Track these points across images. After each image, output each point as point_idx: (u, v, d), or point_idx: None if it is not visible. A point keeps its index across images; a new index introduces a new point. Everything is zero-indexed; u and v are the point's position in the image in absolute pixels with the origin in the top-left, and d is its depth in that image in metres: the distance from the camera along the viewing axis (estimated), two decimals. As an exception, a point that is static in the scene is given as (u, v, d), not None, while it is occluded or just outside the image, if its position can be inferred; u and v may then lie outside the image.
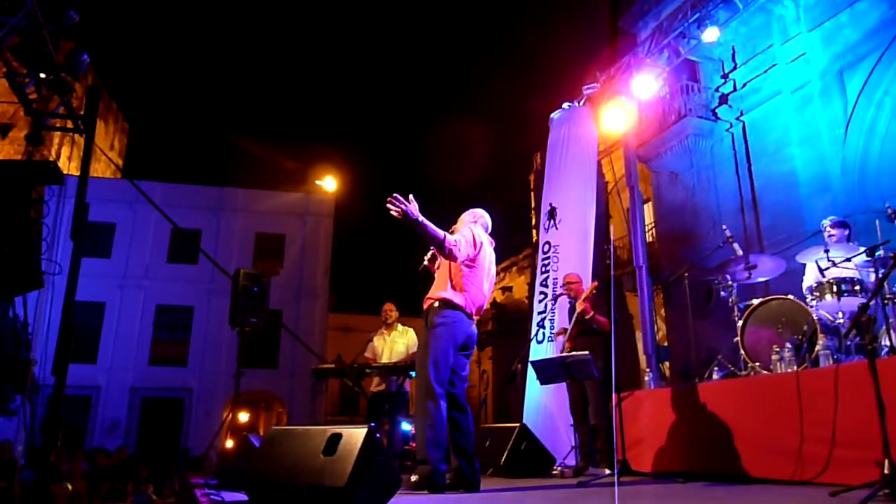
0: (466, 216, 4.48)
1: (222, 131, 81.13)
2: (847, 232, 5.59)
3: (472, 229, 4.22)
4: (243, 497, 3.32)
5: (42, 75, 6.13)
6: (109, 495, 10.49)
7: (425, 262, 4.34)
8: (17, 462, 11.21)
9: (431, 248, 4.21)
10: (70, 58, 6.26)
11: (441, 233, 3.89)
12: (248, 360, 13.43)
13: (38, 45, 5.93)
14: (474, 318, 4.16)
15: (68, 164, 24.16)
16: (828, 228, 5.61)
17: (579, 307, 5.95)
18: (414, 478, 3.82)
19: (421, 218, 3.78)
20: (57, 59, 6.14)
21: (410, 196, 3.77)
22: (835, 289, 4.87)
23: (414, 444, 4.88)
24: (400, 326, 6.99)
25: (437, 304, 4.05)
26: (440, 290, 4.10)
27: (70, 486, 9.40)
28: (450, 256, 3.97)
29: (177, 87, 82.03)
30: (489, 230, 4.48)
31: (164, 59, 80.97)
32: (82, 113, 6.69)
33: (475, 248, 4.11)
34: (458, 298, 4.04)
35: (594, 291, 6.02)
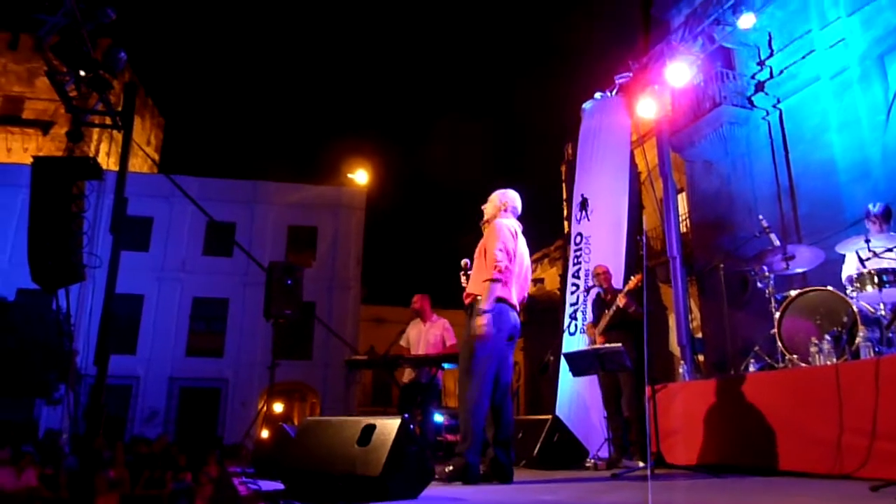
0: (496, 199, 4.41)
1: (256, 126, 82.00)
2: (890, 219, 5.42)
3: (505, 225, 4.19)
4: (279, 485, 3.38)
5: (81, 73, 6.25)
6: (150, 483, 10.73)
7: (463, 281, 4.43)
8: (62, 450, 11.55)
9: (463, 269, 4.45)
10: (108, 55, 6.38)
11: (488, 289, 3.94)
12: (283, 352, 13.61)
13: (77, 44, 6.06)
14: (517, 308, 4.16)
15: (107, 160, 24.69)
16: (871, 216, 5.44)
17: (620, 301, 5.88)
18: (448, 469, 3.84)
19: (485, 308, 3.89)
20: (95, 56, 6.27)
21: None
22: (876, 279, 4.74)
23: (448, 436, 4.89)
24: (434, 317, 6.99)
25: (480, 297, 4.03)
26: (481, 283, 4.08)
27: (113, 474, 9.65)
28: (506, 273, 4.01)
29: (211, 82, 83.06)
30: (519, 212, 4.45)
31: (198, 55, 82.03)
32: (120, 109, 6.82)
33: (507, 244, 4.09)
34: (500, 291, 4.04)
35: (638, 285, 5.85)
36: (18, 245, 18.70)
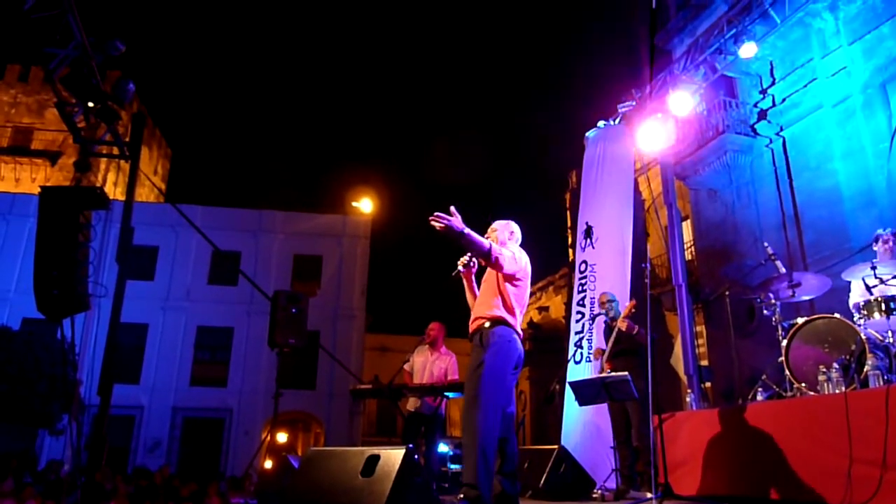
0: (500, 228, 4.40)
1: (262, 156, 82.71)
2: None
3: (517, 249, 4.20)
4: (283, 518, 3.34)
5: (90, 104, 6.34)
6: (151, 515, 10.60)
7: (460, 269, 4.29)
8: (63, 481, 11.44)
9: (468, 255, 4.20)
10: (117, 87, 6.47)
11: (486, 243, 3.88)
12: (287, 381, 13.53)
13: (86, 76, 6.15)
14: (521, 335, 4.13)
15: (114, 190, 24.88)
16: (881, 238, 5.41)
17: (622, 325, 5.89)
18: (460, 497, 3.77)
19: (466, 230, 3.75)
20: (104, 88, 6.35)
21: (452, 209, 3.78)
22: (884, 307, 4.71)
23: (452, 466, 4.82)
24: (444, 349, 6.89)
25: (487, 323, 3.98)
26: (490, 308, 4.03)
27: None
28: (495, 265, 3.94)
29: (218, 113, 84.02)
30: (520, 243, 4.45)
31: (205, 86, 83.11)
32: (128, 140, 6.90)
33: (518, 265, 4.08)
34: (509, 318, 4.01)
35: (633, 310, 5.95)
36: (24, 274, 18.79)
